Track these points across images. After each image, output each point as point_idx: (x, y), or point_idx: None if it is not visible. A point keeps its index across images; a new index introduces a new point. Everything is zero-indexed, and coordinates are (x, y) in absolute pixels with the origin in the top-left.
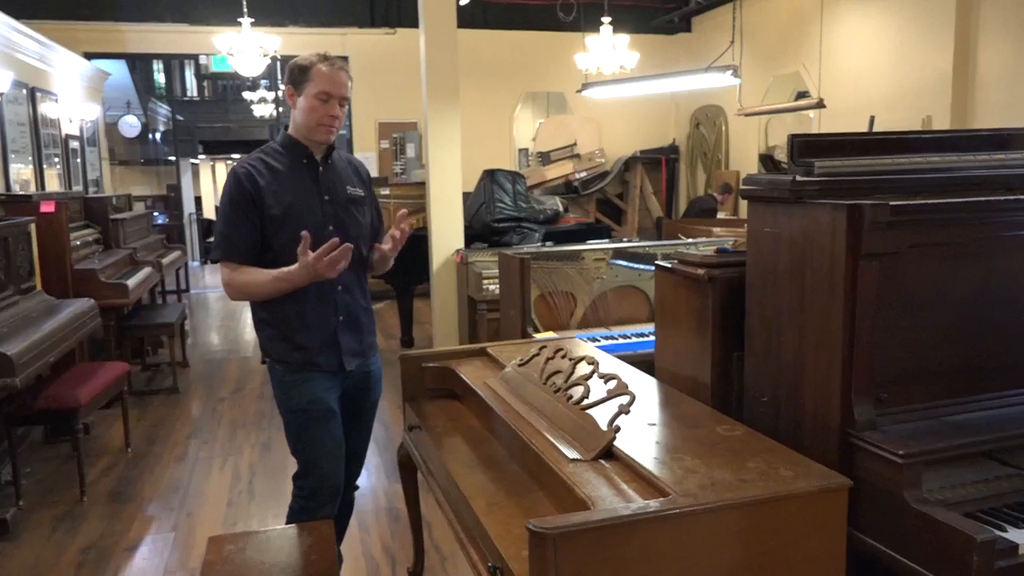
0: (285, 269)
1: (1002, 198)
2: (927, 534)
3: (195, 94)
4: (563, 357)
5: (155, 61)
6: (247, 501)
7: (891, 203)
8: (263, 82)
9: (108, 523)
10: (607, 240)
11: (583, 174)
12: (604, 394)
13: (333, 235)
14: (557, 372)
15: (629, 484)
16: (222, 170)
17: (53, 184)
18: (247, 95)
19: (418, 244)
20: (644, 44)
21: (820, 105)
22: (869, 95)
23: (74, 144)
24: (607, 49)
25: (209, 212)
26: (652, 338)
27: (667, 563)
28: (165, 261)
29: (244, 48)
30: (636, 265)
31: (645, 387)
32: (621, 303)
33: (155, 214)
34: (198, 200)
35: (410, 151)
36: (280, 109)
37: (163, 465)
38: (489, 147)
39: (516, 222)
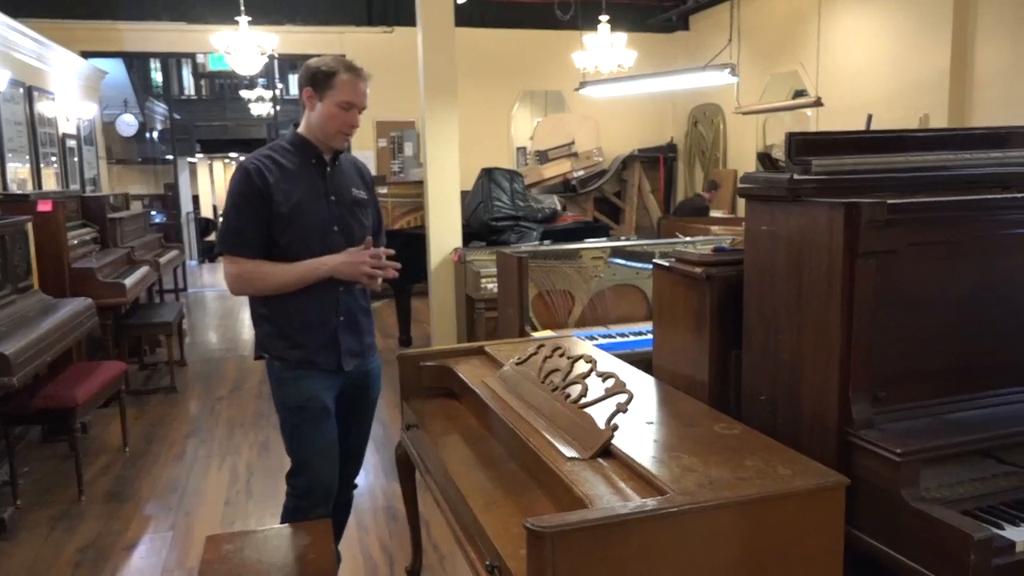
0: (322, 257)
1: (1000, 196)
2: (925, 532)
3: (192, 93)
4: (561, 356)
5: (152, 60)
6: (245, 500)
7: (888, 201)
8: (261, 81)
9: (106, 522)
10: (605, 239)
11: (581, 173)
12: (602, 393)
13: (338, 236)
14: (555, 371)
15: (627, 482)
16: (220, 169)
17: (50, 183)
18: (244, 94)
19: (416, 243)
20: (642, 42)
21: (818, 103)
22: (867, 93)
23: (71, 143)
24: (605, 48)
25: (207, 211)
26: (650, 336)
27: (665, 561)
28: (163, 260)
29: (241, 47)
30: (634, 264)
31: (643, 386)
32: (619, 302)
33: (152, 213)
34: (196, 199)
35: (408, 150)
36: (278, 108)
37: (161, 464)
38: (487, 146)
39: (514, 221)
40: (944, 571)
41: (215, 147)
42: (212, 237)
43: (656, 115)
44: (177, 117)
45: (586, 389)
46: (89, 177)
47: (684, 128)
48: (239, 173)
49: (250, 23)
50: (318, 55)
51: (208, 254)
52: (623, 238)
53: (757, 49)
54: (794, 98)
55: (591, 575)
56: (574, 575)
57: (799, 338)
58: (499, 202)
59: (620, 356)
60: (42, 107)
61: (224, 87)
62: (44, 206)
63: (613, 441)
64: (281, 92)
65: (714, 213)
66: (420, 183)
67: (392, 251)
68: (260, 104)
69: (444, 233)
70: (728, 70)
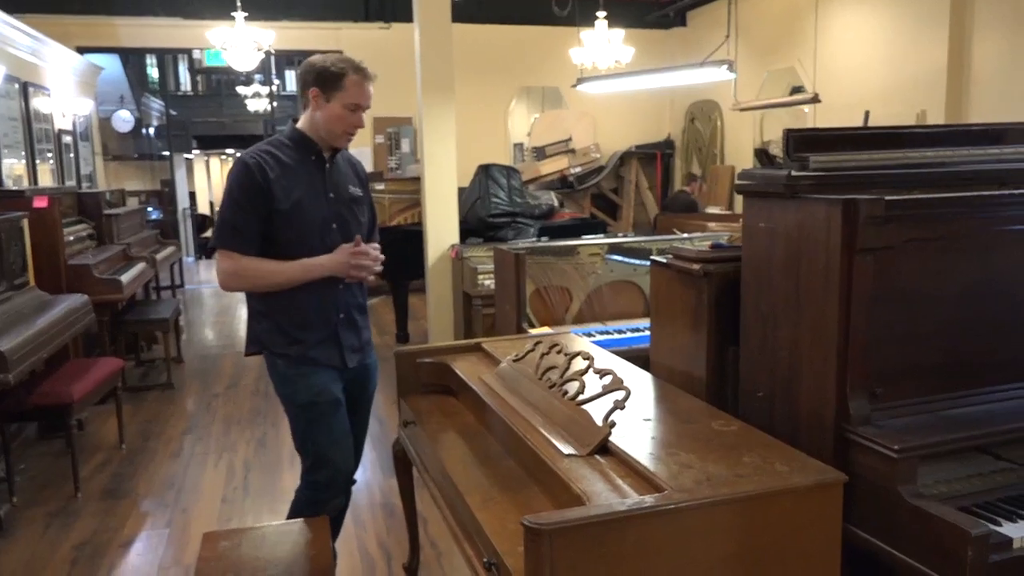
0: (319, 257)
1: (997, 192)
2: (922, 528)
3: (189, 89)
4: (558, 352)
5: (148, 55)
6: (242, 497)
7: (886, 198)
8: (257, 77)
9: (102, 519)
10: (602, 235)
11: (578, 169)
12: (599, 389)
13: (336, 233)
14: (552, 367)
15: (624, 479)
16: (216, 165)
17: (46, 179)
18: (241, 90)
19: (413, 239)
20: (639, 39)
21: (815, 100)
22: (864, 90)
23: (67, 139)
24: (602, 44)
25: (203, 207)
26: (647, 333)
27: (663, 558)
28: (159, 257)
29: (238, 42)
30: (631, 260)
31: (640, 382)
32: (616, 298)
33: (149, 209)
34: (192, 195)
35: (405, 146)
36: (275, 104)
37: (157, 461)
38: (484, 142)
39: (511, 217)
40: (941, 567)
41: (212, 143)
42: (209, 233)
43: (653, 111)
44: (173, 113)
45: (583, 386)
46: (85, 173)
47: (681, 124)
48: (238, 167)
49: (246, 19)
50: (314, 51)
51: (205, 250)
52: (620, 235)
53: (754, 45)
54: (791, 94)
55: (589, 572)
56: (572, 572)
57: (796, 335)
58: (496, 198)
59: (617, 353)
60: (38, 103)
61: (220, 83)
62: (40, 202)
63: (611, 438)
64: (278, 88)
65: (711, 209)
66: (417, 179)
67: (377, 246)
68: (257, 100)
69: (441, 229)
70: (725, 66)
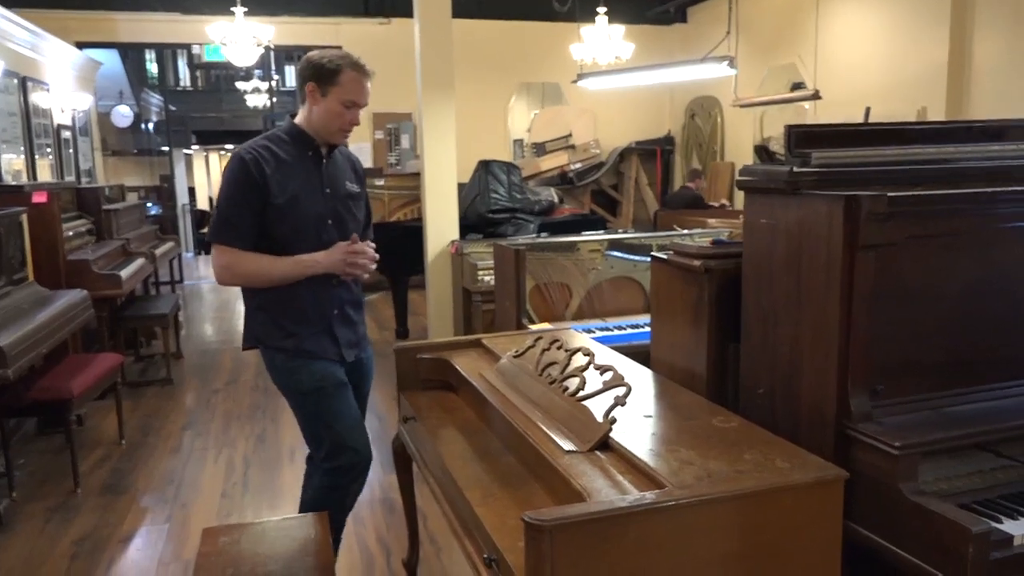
0: (315, 254)
1: (1000, 189)
2: (923, 525)
3: (188, 84)
4: (559, 348)
5: (147, 51)
6: (241, 493)
7: (889, 194)
8: (256, 72)
9: (102, 515)
10: (602, 231)
11: (578, 165)
12: (600, 386)
13: (332, 229)
14: (553, 363)
15: (625, 476)
16: (216, 160)
17: (45, 174)
18: (240, 85)
19: (413, 235)
20: (639, 35)
21: (816, 96)
22: (864, 86)
23: (66, 134)
24: (602, 40)
25: (203, 203)
26: (647, 329)
27: (663, 555)
28: (158, 252)
29: (237, 37)
30: (631, 256)
31: (641, 379)
32: (616, 294)
33: (148, 204)
34: (191, 191)
35: (404, 142)
36: (274, 99)
37: (157, 457)
38: (484, 138)
39: (511, 213)
40: (942, 565)
41: (211, 138)
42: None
43: (653, 108)
44: (173, 108)
45: (584, 382)
46: (84, 168)
47: (681, 121)
48: (235, 162)
49: (246, 14)
50: (314, 46)
51: (204, 246)
52: (620, 231)
53: (755, 42)
54: (792, 91)
55: (589, 568)
56: (572, 568)
57: (797, 331)
58: (496, 194)
59: (617, 349)
60: (37, 98)
61: (220, 78)
62: (39, 197)
63: (611, 434)
64: (277, 83)
65: (712, 203)
66: (417, 175)
67: (373, 245)
68: (256, 95)
69: (441, 225)
70: (726, 62)
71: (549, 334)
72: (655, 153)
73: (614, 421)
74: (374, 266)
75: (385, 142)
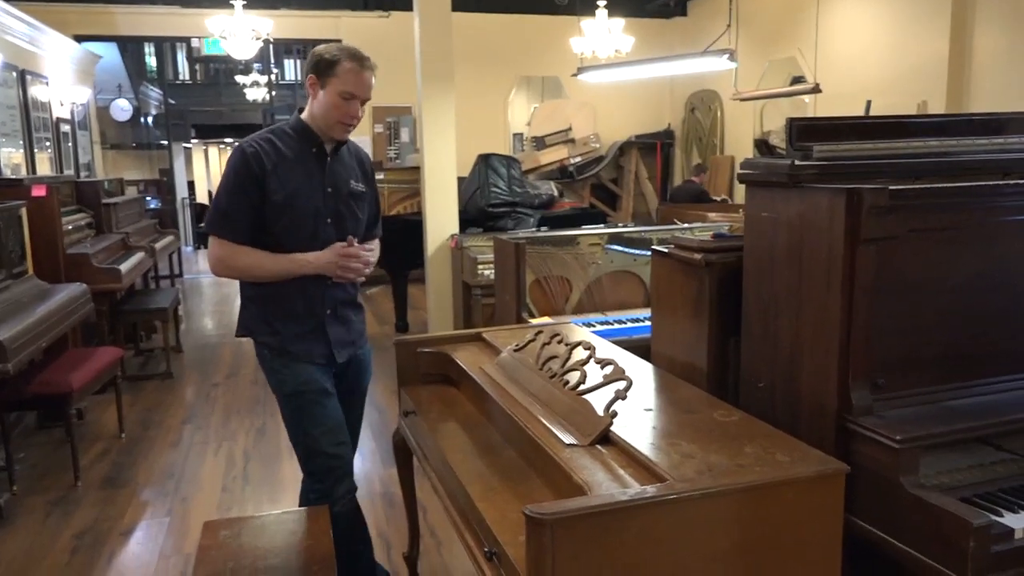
0: (307, 254)
1: (1002, 182)
2: (923, 519)
3: (187, 77)
4: (559, 342)
5: (146, 44)
6: (241, 486)
7: (890, 188)
8: (256, 65)
9: (102, 508)
10: (602, 225)
11: (578, 159)
12: (600, 379)
13: (330, 228)
14: (553, 357)
15: (626, 469)
16: (215, 154)
17: (44, 168)
18: (240, 78)
19: (413, 229)
20: (639, 28)
21: (816, 90)
22: (865, 80)
23: (65, 128)
24: (602, 33)
25: (202, 197)
26: (648, 323)
27: (664, 548)
28: (158, 246)
29: (236, 31)
30: (631, 250)
31: (641, 372)
32: (616, 288)
33: (147, 198)
34: (191, 184)
35: (404, 136)
36: (273, 93)
37: (157, 450)
38: (484, 132)
39: (511, 207)
40: (943, 558)
41: (210, 132)
42: None
43: (653, 101)
44: (172, 102)
45: (584, 376)
46: (83, 162)
47: (681, 114)
48: (236, 155)
49: (245, 7)
50: (313, 39)
51: (203, 240)
52: (620, 224)
53: (755, 35)
54: (792, 84)
55: (590, 562)
56: (573, 562)
57: (798, 325)
58: (496, 188)
59: (617, 343)
60: (36, 91)
61: (219, 72)
62: (38, 191)
63: (612, 428)
64: (277, 77)
65: (715, 198)
66: (416, 169)
67: (374, 245)
68: (256, 89)
69: (441, 219)
70: (726, 56)
71: (550, 328)
72: (655, 147)
73: (615, 415)
74: (369, 270)
75: (385, 136)
